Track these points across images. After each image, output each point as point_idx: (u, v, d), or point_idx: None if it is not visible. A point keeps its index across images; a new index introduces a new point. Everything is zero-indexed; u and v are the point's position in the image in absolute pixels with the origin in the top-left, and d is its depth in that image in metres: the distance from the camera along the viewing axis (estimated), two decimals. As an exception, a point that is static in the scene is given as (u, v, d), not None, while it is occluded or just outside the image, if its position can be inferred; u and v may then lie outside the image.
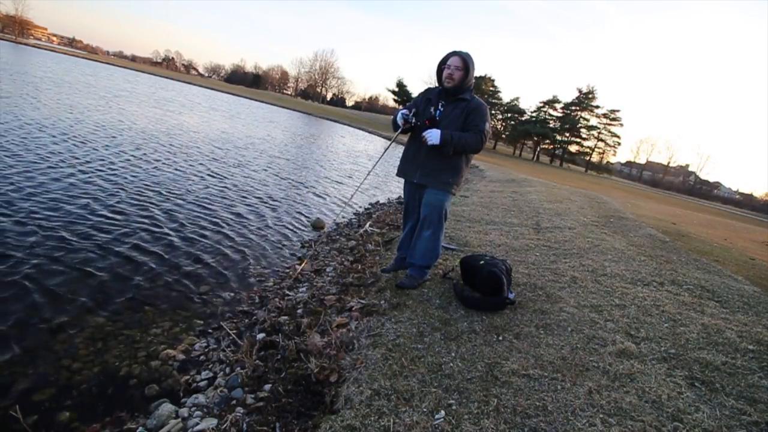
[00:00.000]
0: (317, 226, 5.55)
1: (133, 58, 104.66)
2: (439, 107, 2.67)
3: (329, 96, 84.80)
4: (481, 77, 52.05)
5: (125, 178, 5.59)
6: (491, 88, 54.28)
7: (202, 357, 2.43)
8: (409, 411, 1.64)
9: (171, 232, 4.11)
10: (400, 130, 2.72)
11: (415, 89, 56.96)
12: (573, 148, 53.63)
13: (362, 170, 12.17)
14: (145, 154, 7.28)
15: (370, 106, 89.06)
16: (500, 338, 2.24)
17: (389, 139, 3.25)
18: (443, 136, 2.48)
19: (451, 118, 2.61)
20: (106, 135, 8.05)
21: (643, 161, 72.62)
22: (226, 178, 7.02)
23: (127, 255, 3.45)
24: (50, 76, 18.66)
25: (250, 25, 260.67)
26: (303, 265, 3.77)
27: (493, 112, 53.40)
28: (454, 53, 2.59)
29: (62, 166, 5.43)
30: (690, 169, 71.93)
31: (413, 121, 2.65)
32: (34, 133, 6.82)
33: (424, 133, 2.52)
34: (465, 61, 2.56)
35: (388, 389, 1.77)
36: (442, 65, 2.62)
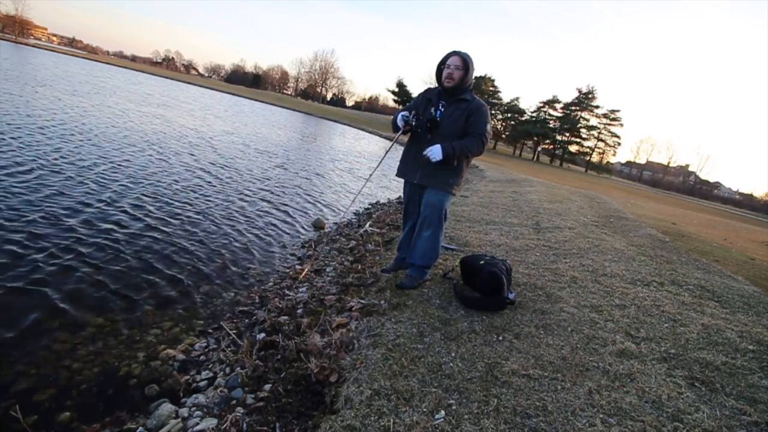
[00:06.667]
0: (317, 226, 5.55)
1: (133, 58, 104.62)
2: (440, 107, 2.66)
3: (329, 96, 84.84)
4: (481, 77, 51.97)
5: (123, 179, 5.59)
6: (491, 88, 54.21)
7: (202, 357, 2.43)
8: (409, 411, 1.64)
9: (170, 233, 4.11)
10: (400, 132, 2.74)
11: (415, 89, 56.93)
12: (573, 148, 53.55)
13: (362, 170, 12.16)
14: (143, 154, 7.29)
15: (370, 106, 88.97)
16: (500, 338, 2.24)
17: (389, 139, 3.27)
18: (444, 151, 2.49)
19: (452, 119, 2.61)
20: (138, 139, 8.06)
21: (643, 161, 72.55)
22: (225, 178, 7.02)
23: (126, 255, 3.45)
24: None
25: (250, 25, 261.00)
26: (305, 271, 3.77)
27: (493, 112, 53.27)
28: (453, 53, 2.59)
29: (71, 168, 5.43)
30: (690, 169, 71.88)
31: (413, 123, 2.66)
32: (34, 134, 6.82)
33: (425, 152, 2.53)
34: (465, 60, 2.56)
35: (388, 389, 1.76)
36: (441, 65, 2.63)
